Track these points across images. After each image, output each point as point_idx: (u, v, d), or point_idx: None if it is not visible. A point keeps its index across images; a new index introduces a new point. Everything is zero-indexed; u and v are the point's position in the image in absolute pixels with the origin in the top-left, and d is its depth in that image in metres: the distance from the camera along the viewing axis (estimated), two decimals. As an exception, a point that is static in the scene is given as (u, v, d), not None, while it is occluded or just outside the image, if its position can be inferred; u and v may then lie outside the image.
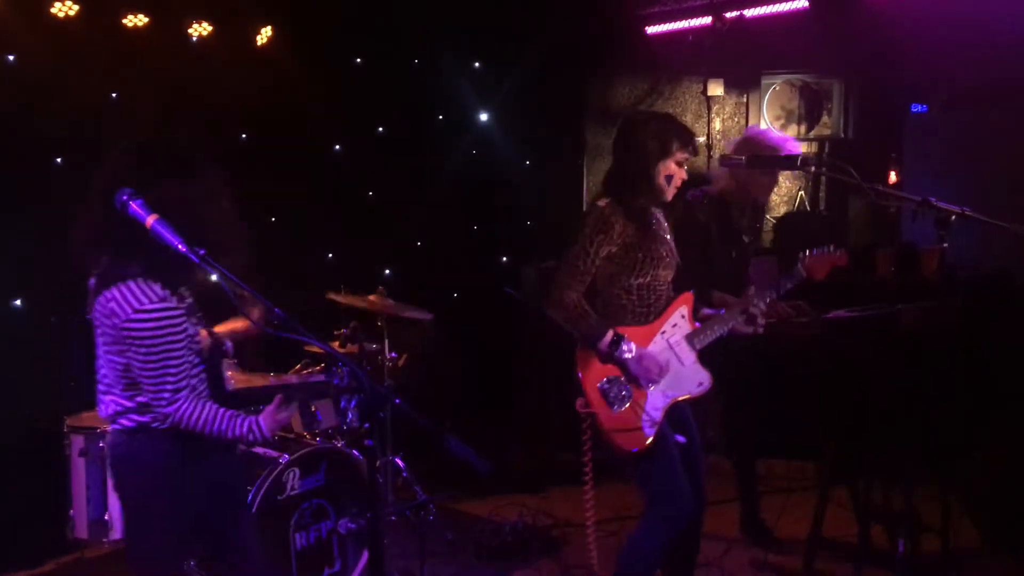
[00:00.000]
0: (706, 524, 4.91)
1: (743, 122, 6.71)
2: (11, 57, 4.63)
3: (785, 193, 6.64)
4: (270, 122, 5.73)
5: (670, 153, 3.51)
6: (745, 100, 6.72)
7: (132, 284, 2.77)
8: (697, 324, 3.67)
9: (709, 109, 6.82)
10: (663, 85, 6.91)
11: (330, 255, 6.32)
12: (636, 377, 3.48)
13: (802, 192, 6.62)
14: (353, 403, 4.57)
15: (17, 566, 4.54)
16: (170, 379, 2.81)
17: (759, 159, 4.11)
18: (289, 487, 3.92)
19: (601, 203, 3.54)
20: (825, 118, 6.53)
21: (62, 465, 4.12)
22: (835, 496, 4.23)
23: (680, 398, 3.58)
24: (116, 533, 4.06)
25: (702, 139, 6.82)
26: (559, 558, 4.73)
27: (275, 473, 3.83)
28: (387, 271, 6.42)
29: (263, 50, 5.78)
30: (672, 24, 6.51)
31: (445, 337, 6.26)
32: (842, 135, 6.50)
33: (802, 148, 6.53)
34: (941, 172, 5.95)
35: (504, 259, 7.19)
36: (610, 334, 3.45)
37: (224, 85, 5.37)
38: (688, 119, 6.85)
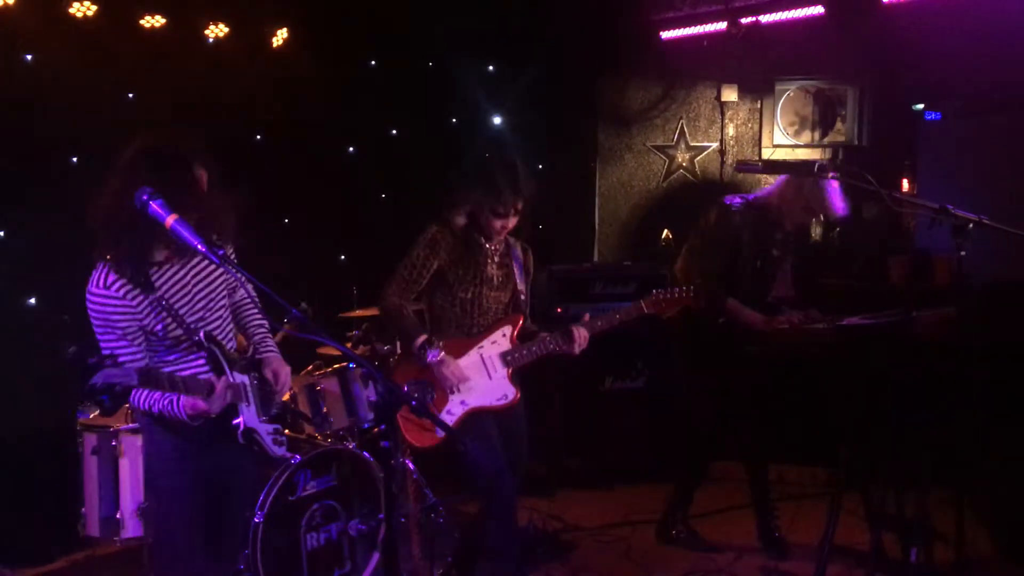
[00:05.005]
0: (717, 531, 4.95)
1: (757, 128, 6.69)
2: (28, 56, 4.64)
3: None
4: (285, 123, 5.74)
5: (480, 211, 3.81)
6: (759, 106, 6.70)
7: (100, 266, 2.93)
8: (516, 343, 3.91)
9: (723, 114, 6.80)
10: (676, 90, 6.89)
11: (343, 256, 6.32)
12: (437, 380, 3.76)
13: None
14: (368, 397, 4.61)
15: (28, 562, 4.56)
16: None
17: (774, 163, 4.12)
18: (300, 488, 3.93)
19: (437, 223, 3.85)
20: (839, 124, 6.51)
21: (74, 463, 4.13)
22: (847, 503, 4.21)
23: (480, 408, 3.83)
24: (127, 532, 4.06)
25: (715, 144, 6.80)
26: (568, 562, 4.73)
27: (287, 474, 3.84)
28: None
29: (278, 52, 5.80)
30: (687, 29, 6.49)
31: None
32: (856, 142, 6.48)
33: (816, 155, 6.55)
34: (954, 179, 5.93)
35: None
36: (423, 337, 3.73)
37: (239, 86, 5.40)
38: (702, 124, 6.84)
